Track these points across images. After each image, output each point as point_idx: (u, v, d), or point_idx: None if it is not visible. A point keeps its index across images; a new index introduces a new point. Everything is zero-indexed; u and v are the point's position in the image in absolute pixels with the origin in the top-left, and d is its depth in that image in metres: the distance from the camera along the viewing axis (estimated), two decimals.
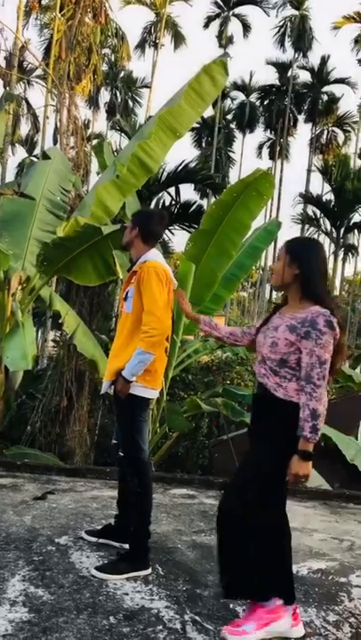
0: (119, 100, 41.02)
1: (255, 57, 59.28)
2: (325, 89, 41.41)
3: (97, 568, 3.21)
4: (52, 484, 4.81)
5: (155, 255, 3.37)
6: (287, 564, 2.78)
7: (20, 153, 41.63)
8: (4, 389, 6.44)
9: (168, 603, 2.96)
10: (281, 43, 40.68)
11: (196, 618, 2.85)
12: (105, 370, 3.51)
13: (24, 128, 37.42)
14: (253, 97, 43.80)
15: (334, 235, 31.29)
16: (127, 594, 3.01)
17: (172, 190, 13.58)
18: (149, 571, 3.27)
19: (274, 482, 2.68)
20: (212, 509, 4.55)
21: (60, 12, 19.81)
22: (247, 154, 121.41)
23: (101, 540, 3.60)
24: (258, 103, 43.82)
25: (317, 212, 31.96)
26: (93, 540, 3.62)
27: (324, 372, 2.60)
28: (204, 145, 43.39)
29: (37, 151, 34.20)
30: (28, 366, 5.42)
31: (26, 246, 6.83)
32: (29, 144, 38.56)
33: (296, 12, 39.77)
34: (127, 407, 3.31)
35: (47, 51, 23.62)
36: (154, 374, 3.31)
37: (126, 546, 3.39)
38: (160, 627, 2.73)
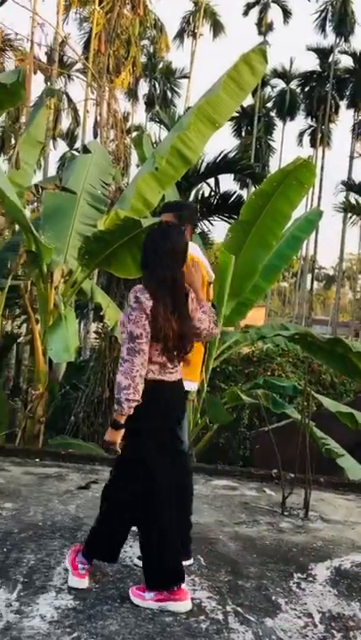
0: (158, 91, 40.99)
1: (295, 43, 57.79)
2: None
3: (140, 557, 3.25)
4: (95, 474, 4.89)
5: (191, 248, 3.36)
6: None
7: (62, 147, 42.13)
8: (48, 380, 6.58)
9: (210, 593, 2.98)
10: (322, 28, 39.90)
11: (238, 609, 2.86)
12: None
13: (65, 122, 37.81)
14: (294, 84, 43.10)
15: None
16: None
17: (211, 181, 13.47)
18: (191, 561, 3.29)
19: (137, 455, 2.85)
20: (254, 501, 4.56)
21: (98, 5, 19.90)
22: (288, 142, 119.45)
23: None
24: (298, 90, 43.09)
25: (360, 200, 31.32)
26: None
27: (137, 347, 2.70)
28: (243, 134, 42.98)
29: (78, 145, 34.56)
30: (70, 358, 5.50)
31: (68, 240, 6.90)
32: (70, 138, 38.97)
33: None
34: None
35: (87, 44, 23.75)
36: (192, 366, 3.31)
37: None
38: (202, 617, 2.75)
